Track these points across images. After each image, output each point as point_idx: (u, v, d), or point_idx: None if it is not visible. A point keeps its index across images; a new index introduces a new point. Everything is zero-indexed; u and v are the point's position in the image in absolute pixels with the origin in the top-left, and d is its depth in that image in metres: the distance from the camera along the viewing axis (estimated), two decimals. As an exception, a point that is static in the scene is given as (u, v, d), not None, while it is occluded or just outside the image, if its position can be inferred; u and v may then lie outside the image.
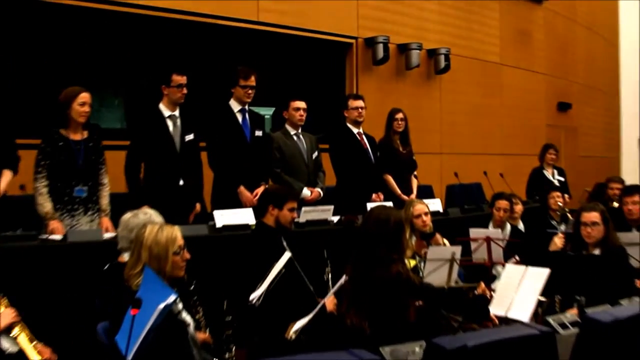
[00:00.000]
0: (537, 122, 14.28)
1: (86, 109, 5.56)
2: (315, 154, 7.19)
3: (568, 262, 5.31)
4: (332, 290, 4.56)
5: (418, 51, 11.21)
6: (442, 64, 11.70)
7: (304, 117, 7.04)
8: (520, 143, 13.45)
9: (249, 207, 6.23)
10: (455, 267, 5.31)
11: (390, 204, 6.88)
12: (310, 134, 7.30)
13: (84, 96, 5.58)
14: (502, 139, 13.28)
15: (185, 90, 6.10)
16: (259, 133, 6.71)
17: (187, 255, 3.98)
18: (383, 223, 4.25)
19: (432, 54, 11.74)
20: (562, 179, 9.92)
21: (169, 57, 8.54)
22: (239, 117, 6.61)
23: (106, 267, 4.42)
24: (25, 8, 7.59)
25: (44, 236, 5.17)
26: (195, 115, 6.40)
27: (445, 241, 6.16)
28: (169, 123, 6.14)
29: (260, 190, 6.45)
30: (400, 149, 7.82)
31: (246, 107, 6.65)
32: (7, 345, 4.10)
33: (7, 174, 5.43)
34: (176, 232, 3.97)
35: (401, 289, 4.14)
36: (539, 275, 4.63)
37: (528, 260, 5.78)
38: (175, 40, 8.79)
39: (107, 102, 8.64)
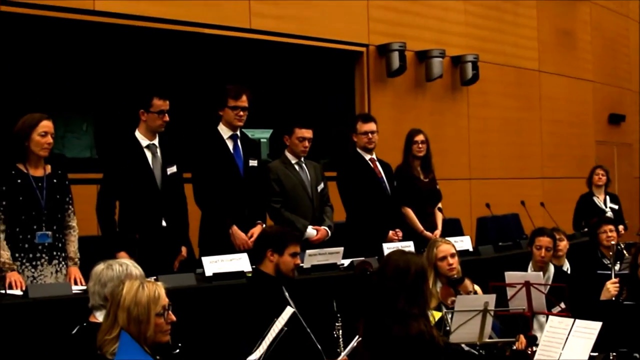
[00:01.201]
0: (584, 138, 14.32)
1: (48, 139, 5.56)
2: (321, 185, 7.22)
3: (624, 312, 5.30)
4: (343, 353, 4.57)
5: (440, 59, 11.26)
6: (469, 73, 11.75)
7: (308, 149, 7.09)
8: (565, 164, 13.49)
9: (244, 250, 6.25)
10: (489, 319, 5.31)
11: (410, 244, 6.92)
12: (314, 162, 7.33)
13: (46, 125, 5.57)
14: (543, 160, 13.32)
15: (167, 118, 6.14)
16: (253, 163, 6.74)
17: (173, 318, 3.99)
18: (402, 273, 4.27)
19: (457, 61, 11.79)
20: (615, 206, 9.93)
21: (145, 74, 8.58)
22: (230, 144, 6.66)
23: (75, 329, 4.43)
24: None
25: (1, 291, 5.17)
26: (177, 143, 6.43)
27: (477, 288, 6.16)
28: (148, 153, 6.16)
29: (256, 230, 6.48)
30: (422, 176, 7.85)
31: (238, 132, 6.69)
32: None
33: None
34: (159, 290, 3.98)
35: (423, 351, 4.15)
36: (589, 330, 4.63)
37: (576, 308, 5.79)
38: (152, 53, 8.84)
39: (74, 127, 8.68)
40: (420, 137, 7.85)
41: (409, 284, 4.25)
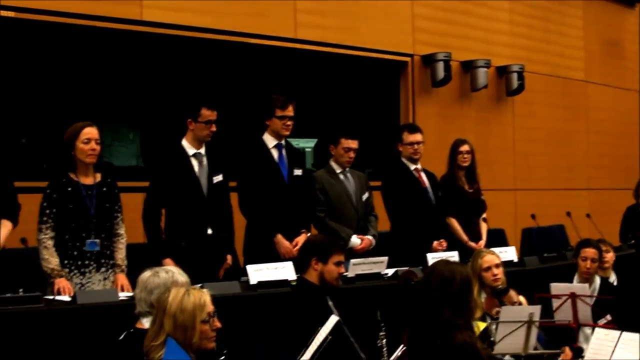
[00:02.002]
0: (631, 149, 14.17)
1: (92, 146, 5.63)
2: (366, 195, 7.23)
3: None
4: (387, 362, 4.57)
5: (486, 69, 11.22)
6: (515, 83, 11.69)
7: (353, 159, 7.11)
8: (611, 175, 13.36)
9: (288, 259, 6.29)
10: (534, 330, 5.27)
11: (455, 254, 6.90)
12: (359, 172, 7.35)
13: (88, 132, 5.64)
14: (589, 170, 13.20)
15: (214, 128, 6.20)
16: (298, 172, 6.78)
17: (218, 324, 4.02)
18: (447, 283, 4.26)
19: (503, 72, 11.74)
20: (662, 218, 9.82)
21: (192, 83, 8.65)
22: (275, 153, 6.70)
23: (122, 336, 4.47)
24: (23, 29, 7.77)
25: (50, 297, 5.25)
26: (223, 152, 6.48)
27: (522, 298, 6.12)
28: (194, 162, 6.23)
29: (301, 239, 6.51)
30: (466, 187, 7.84)
31: (283, 141, 6.73)
32: None
33: (7, 225, 5.50)
34: (205, 297, 4.01)
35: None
36: (635, 342, 4.59)
37: (622, 320, 5.74)
38: (198, 62, 8.91)
39: (121, 136, 8.78)
40: (465, 147, 7.84)
41: (454, 294, 4.24)
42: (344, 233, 6.92)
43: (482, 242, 7.71)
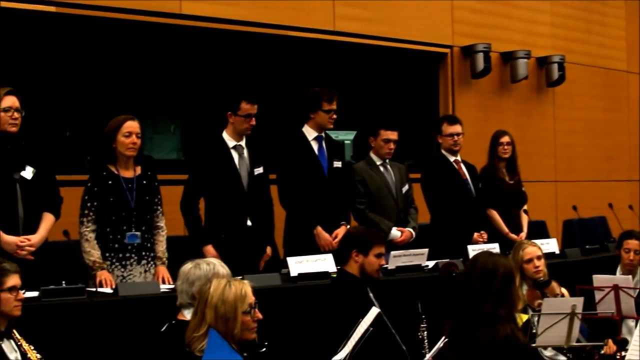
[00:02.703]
0: (673, 140, 14.00)
1: (133, 140, 5.65)
2: (406, 187, 7.21)
3: None
4: (429, 354, 4.55)
5: (526, 60, 11.13)
6: (556, 74, 11.59)
7: (392, 151, 7.09)
8: (654, 167, 13.21)
9: (328, 251, 6.29)
10: (577, 323, 5.22)
11: (496, 245, 6.86)
12: (399, 163, 7.33)
13: (129, 125, 5.66)
14: (631, 162, 13.05)
15: (253, 122, 6.21)
16: (337, 164, 6.78)
17: (259, 315, 4.03)
18: (489, 275, 4.23)
19: (543, 62, 11.64)
20: None
21: (231, 76, 8.68)
22: (315, 145, 6.71)
23: (164, 327, 4.50)
24: (65, 24, 7.83)
25: (92, 289, 5.28)
26: (263, 144, 6.49)
27: (564, 290, 6.08)
28: (234, 154, 6.25)
29: (340, 231, 6.52)
30: (507, 178, 7.78)
31: (323, 133, 6.73)
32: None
33: (49, 218, 5.53)
34: (246, 289, 4.02)
35: (509, 355, 4.11)
36: (680, 333, 4.53)
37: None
38: (238, 56, 8.93)
39: (161, 129, 8.83)
40: (505, 139, 7.79)
41: (497, 286, 4.22)
42: (384, 225, 6.90)
43: (523, 234, 7.66)
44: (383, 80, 10.28)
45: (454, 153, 7.49)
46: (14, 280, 4.26)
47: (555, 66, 11.59)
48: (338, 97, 6.68)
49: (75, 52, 7.97)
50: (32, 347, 4.30)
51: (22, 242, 5.26)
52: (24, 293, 4.35)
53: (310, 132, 6.71)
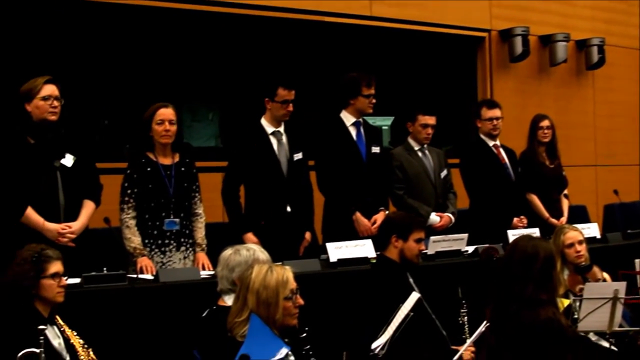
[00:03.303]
0: None
1: (166, 127, 5.68)
2: (444, 172, 7.19)
3: None
4: (470, 339, 4.54)
5: (565, 43, 11.02)
6: (595, 57, 11.46)
7: (431, 136, 7.07)
8: (697, 149, 13.04)
9: (367, 237, 6.29)
10: (619, 307, 5.17)
11: (536, 230, 6.81)
12: (437, 149, 7.30)
13: (162, 113, 5.70)
14: (672, 145, 12.91)
15: (291, 108, 6.22)
16: (376, 149, 6.77)
17: (301, 301, 4.04)
18: (530, 258, 4.22)
19: (582, 45, 11.52)
20: None
21: (269, 62, 8.69)
22: (353, 131, 6.70)
23: (205, 313, 4.52)
24: (102, 13, 7.87)
25: (133, 276, 5.32)
26: (302, 130, 6.49)
27: (606, 275, 6.03)
28: (273, 140, 6.26)
29: (379, 217, 6.52)
30: (547, 162, 7.72)
31: (361, 119, 6.72)
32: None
33: (89, 206, 5.58)
34: (288, 274, 4.04)
35: (551, 338, 4.10)
36: None
37: None
38: (276, 42, 8.94)
39: (200, 117, 8.86)
40: (545, 123, 7.73)
41: (538, 270, 4.20)
42: (423, 210, 6.88)
43: (564, 219, 7.60)
44: (421, 65, 10.24)
45: (493, 137, 7.45)
46: (56, 266, 4.29)
47: (595, 49, 11.46)
48: (376, 82, 6.65)
49: (114, 40, 8.02)
50: (75, 333, 4.35)
51: (63, 229, 5.31)
52: (66, 280, 4.39)
53: (348, 118, 6.70)
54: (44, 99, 5.34)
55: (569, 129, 10.65)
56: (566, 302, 5.43)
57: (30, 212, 5.26)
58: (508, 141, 7.72)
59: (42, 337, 3.81)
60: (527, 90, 10.84)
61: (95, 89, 7.94)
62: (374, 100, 6.65)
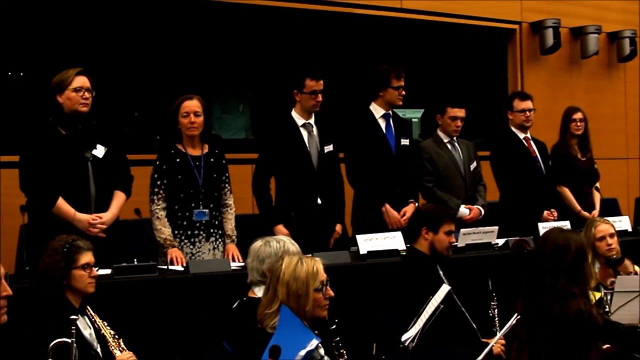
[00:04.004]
0: None
1: (190, 119, 5.70)
2: (474, 164, 7.15)
3: None
4: (501, 331, 4.52)
5: (596, 35, 10.92)
6: (627, 49, 11.34)
7: (460, 128, 7.03)
8: None
9: (396, 228, 6.27)
10: (651, 301, 5.15)
11: (566, 223, 6.77)
12: (467, 141, 7.27)
13: (186, 105, 5.71)
14: None
15: (320, 98, 6.20)
16: (405, 142, 6.75)
17: (331, 293, 4.04)
18: (562, 251, 4.18)
19: (614, 37, 11.41)
20: None
21: (300, 55, 8.68)
22: (382, 123, 6.69)
23: (236, 304, 4.53)
24: (129, 3, 7.90)
25: (163, 267, 5.34)
26: (333, 122, 6.48)
27: (637, 268, 5.98)
28: (304, 132, 6.26)
29: (408, 209, 6.52)
30: (579, 155, 7.67)
31: (390, 111, 6.70)
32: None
33: (120, 197, 5.60)
34: (318, 266, 4.03)
35: (582, 330, 4.06)
36: None
37: None
38: (306, 34, 8.93)
39: (230, 109, 8.87)
40: (578, 115, 7.68)
41: (569, 263, 4.17)
42: (452, 203, 6.85)
43: (596, 212, 7.55)
44: (451, 57, 10.19)
45: (524, 130, 7.40)
46: (87, 257, 4.32)
47: (627, 41, 11.34)
48: (405, 74, 6.63)
49: (145, 33, 8.03)
50: (106, 324, 4.37)
51: (94, 219, 5.34)
52: (97, 270, 4.41)
53: (377, 110, 6.69)
54: (76, 90, 5.37)
55: (600, 121, 10.55)
56: (597, 295, 5.40)
57: (62, 203, 5.29)
58: (538, 134, 7.67)
59: (73, 328, 3.83)
60: (557, 82, 10.77)
61: (125, 80, 7.96)
62: (403, 92, 6.63)
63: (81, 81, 5.40)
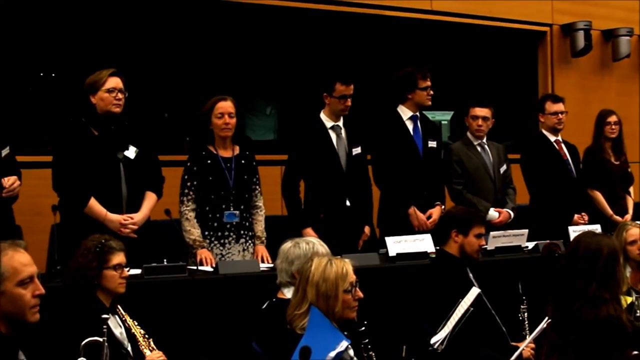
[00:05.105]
0: None
1: (225, 120, 5.71)
2: (504, 167, 7.13)
3: None
4: (531, 335, 4.51)
5: (628, 38, 10.85)
6: (659, 52, 11.31)
7: (482, 128, 7.00)
8: None
9: (423, 231, 6.28)
10: (684, 306, 5.12)
11: (597, 227, 6.73)
12: (497, 143, 7.24)
13: (221, 106, 5.72)
14: None
15: (349, 102, 6.21)
16: (432, 144, 6.74)
17: (360, 294, 4.04)
18: (593, 255, 4.16)
19: (646, 40, 11.37)
20: None
21: (329, 57, 8.68)
22: (410, 125, 6.68)
23: (265, 305, 4.54)
24: (160, 6, 7.94)
25: (193, 267, 5.36)
26: (361, 124, 6.48)
27: (669, 272, 5.95)
28: (332, 135, 6.26)
29: (435, 211, 6.54)
30: (613, 159, 7.64)
31: (418, 113, 6.70)
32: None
33: (151, 197, 5.62)
34: (347, 267, 4.04)
35: (611, 336, 4.04)
36: None
37: None
38: (335, 36, 8.93)
39: (258, 111, 8.89)
40: (613, 118, 7.64)
41: (601, 267, 4.14)
42: (481, 206, 6.82)
43: (628, 216, 7.49)
44: (481, 59, 10.17)
45: (556, 132, 7.37)
46: (119, 258, 4.34)
47: (659, 44, 11.31)
48: (432, 74, 6.64)
49: (175, 35, 8.08)
50: (136, 323, 4.40)
51: (125, 220, 5.37)
52: (128, 271, 4.44)
53: (405, 112, 6.68)
54: (109, 91, 5.40)
55: (631, 124, 10.49)
56: (629, 299, 5.38)
57: (94, 203, 5.33)
58: (570, 137, 7.64)
59: (105, 326, 3.85)
60: (589, 85, 10.71)
61: (156, 82, 8.00)
62: (431, 92, 6.63)
63: (114, 82, 5.43)
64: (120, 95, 5.43)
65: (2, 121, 5.38)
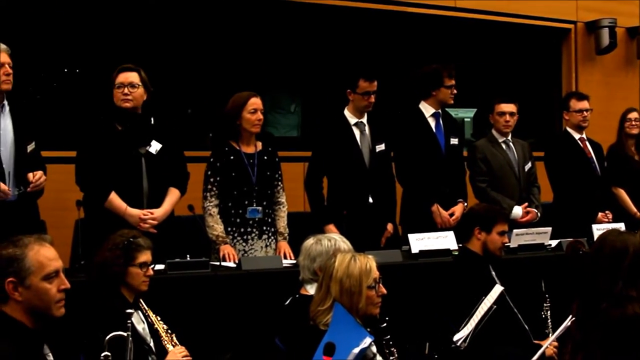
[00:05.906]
0: None
1: (258, 116, 5.72)
2: (529, 164, 7.10)
3: None
4: (555, 334, 4.49)
5: (653, 35, 10.81)
6: (684, 49, 11.22)
7: (510, 124, 6.96)
8: None
9: (445, 228, 6.27)
10: None
11: (621, 225, 6.69)
12: (522, 141, 7.21)
13: (254, 102, 5.73)
14: None
15: (372, 99, 6.20)
16: (454, 141, 6.73)
17: (384, 290, 4.03)
18: (619, 253, 4.12)
19: (671, 38, 11.28)
20: None
21: (353, 54, 8.68)
22: (432, 122, 6.67)
23: (288, 301, 4.54)
24: (183, 2, 7.96)
25: (216, 263, 5.37)
26: (384, 121, 6.47)
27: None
28: (356, 131, 6.26)
29: (457, 209, 6.52)
30: (636, 157, 7.60)
31: (440, 110, 6.68)
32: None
33: (174, 193, 5.63)
34: (371, 263, 4.03)
35: (638, 335, 4.01)
36: None
37: None
38: (359, 32, 8.93)
39: (281, 107, 8.89)
40: (633, 115, 7.62)
41: (627, 265, 4.10)
42: (506, 204, 6.80)
43: (653, 214, 7.46)
44: (504, 57, 10.13)
45: (580, 130, 7.33)
46: (145, 256, 4.35)
47: (683, 41, 11.21)
48: (457, 73, 6.63)
49: (198, 31, 8.10)
50: (159, 318, 4.41)
51: (145, 215, 5.38)
52: (153, 269, 4.44)
53: (427, 109, 6.66)
54: (118, 87, 5.42)
55: (656, 122, 10.43)
56: (654, 298, 5.33)
57: (114, 198, 5.35)
58: (594, 135, 7.60)
59: (129, 322, 3.86)
60: (613, 83, 10.64)
61: (179, 78, 8.02)
62: (455, 91, 6.61)
63: (123, 77, 5.43)
64: (127, 90, 5.41)
65: (27, 117, 5.37)
